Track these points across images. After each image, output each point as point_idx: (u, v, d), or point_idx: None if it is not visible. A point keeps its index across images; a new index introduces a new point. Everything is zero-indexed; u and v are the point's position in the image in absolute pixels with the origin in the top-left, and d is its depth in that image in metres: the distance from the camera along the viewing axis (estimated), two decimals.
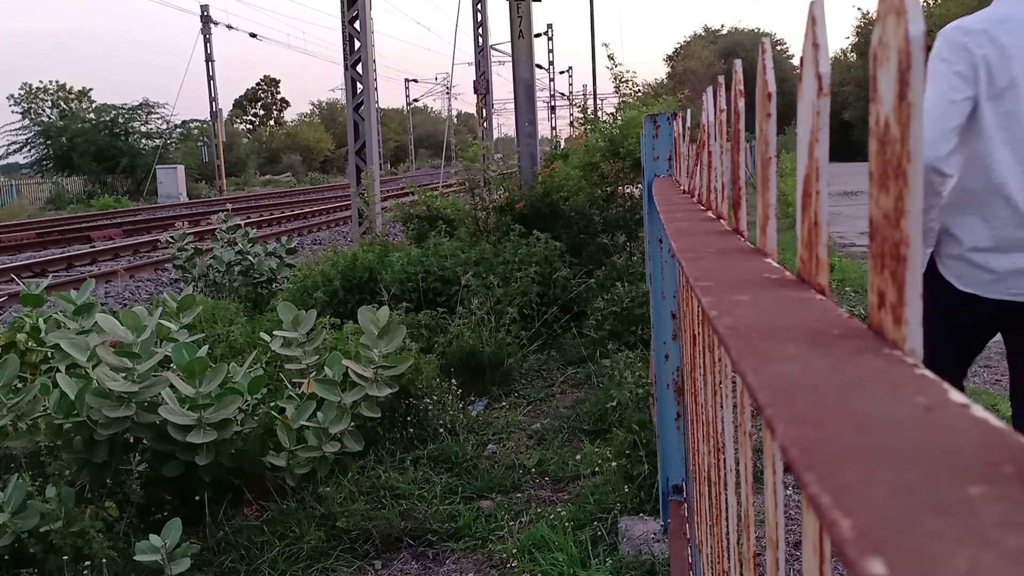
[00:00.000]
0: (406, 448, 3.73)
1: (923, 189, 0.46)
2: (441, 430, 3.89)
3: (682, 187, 2.02)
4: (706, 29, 54.00)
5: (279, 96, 66.33)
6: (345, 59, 10.15)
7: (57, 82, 42.49)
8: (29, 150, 37.21)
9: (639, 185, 5.60)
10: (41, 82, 43.69)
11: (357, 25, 10.11)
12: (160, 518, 2.82)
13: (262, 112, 65.46)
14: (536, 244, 5.89)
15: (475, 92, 16.68)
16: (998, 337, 2.27)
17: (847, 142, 31.26)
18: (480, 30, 16.84)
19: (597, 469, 3.41)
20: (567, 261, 6.05)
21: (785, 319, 0.50)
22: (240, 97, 64.65)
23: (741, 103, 0.84)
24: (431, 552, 3.01)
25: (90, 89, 43.29)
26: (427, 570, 2.93)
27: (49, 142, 36.00)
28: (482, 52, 16.77)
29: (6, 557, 2.70)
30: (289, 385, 3.49)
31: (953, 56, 2.04)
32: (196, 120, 39.27)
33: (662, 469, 2.81)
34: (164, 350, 3.18)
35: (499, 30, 29.90)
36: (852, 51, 42.07)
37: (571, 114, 33.78)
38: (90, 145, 34.02)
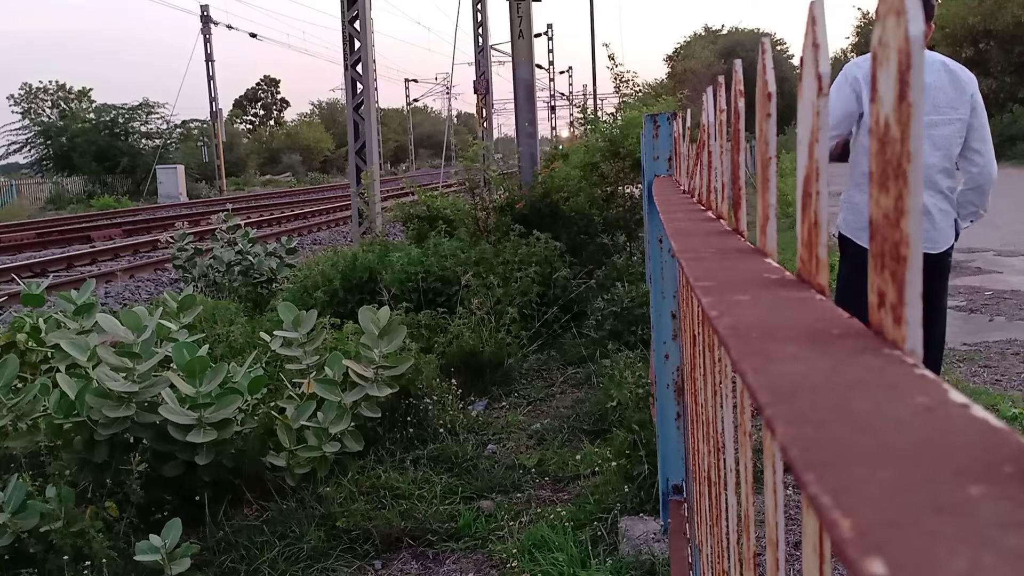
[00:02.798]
0: (406, 448, 3.73)
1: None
2: (441, 430, 3.89)
3: (682, 187, 2.02)
4: (706, 29, 53.99)
5: (279, 96, 66.32)
6: (345, 59, 10.15)
7: (57, 82, 42.57)
8: (29, 150, 37.27)
9: (639, 185, 5.60)
10: (41, 82, 43.80)
11: (357, 25, 10.11)
12: (160, 518, 2.82)
13: (262, 112, 65.44)
14: (536, 244, 5.89)
15: (475, 92, 16.68)
16: (998, 337, 2.32)
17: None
18: (480, 30, 16.84)
19: (597, 469, 3.41)
20: (567, 261, 6.05)
21: (785, 319, 0.50)
22: (240, 97, 64.63)
23: (741, 103, 0.84)
24: (431, 552, 3.01)
25: (90, 89, 43.33)
26: (427, 570, 2.93)
27: (49, 142, 36.03)
28: (482, 52, 16.77)
29: (6, 557, 2.70)
30: (289, 385, 3.49)
31: (841, 80, 2.98)
32: (196, 120, 39.35)
33: (662, 469, 2.81)
34: (164, 350, 3.18)
35: (499, 30, 29.88)
36: (852, 51, 42.05)
37: (571, 114, 33.80)
38: (90, 145, 34.04)
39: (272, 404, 3.40)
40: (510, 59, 9.66)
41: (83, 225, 18.48)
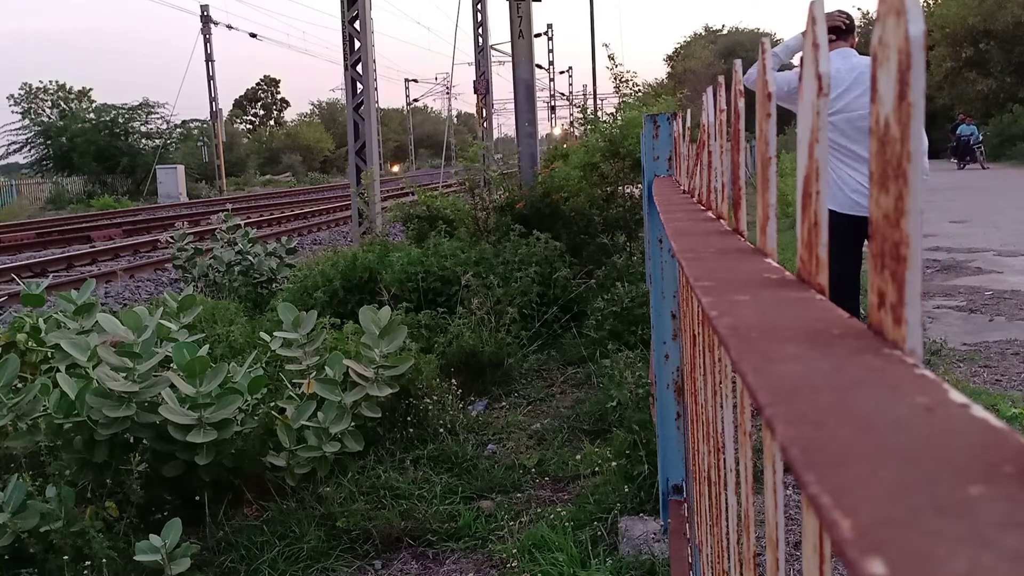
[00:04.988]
0: (406, 448, 3.73)
1: None
2: (441, 430, 3.89)
3: (682, 187, 2.02)
4: (706, 29, 54.15)
5: (279, 96, 66.28)
6: (345, 59, 10.15)
7: (57, 82, 42.60)
8: (29, 150, 37.25)
9: (639, 185, 5.59)
10: (41, 82, 43.83)
11: (357, 25, 10.11)
12: (160, 518, 2.82)
13: (262, 112, 65.40)
14: (536, 244, 5.89)
15: (475, 92, 16.69)
16: (998, 337, 2.32)
17: None
18: (480, 30, 16.84)
19: (597, 469, 3.40)
20: (567, 261, 6.05)
21: (785, 319, 0.50)
22: (240, 97, 64.60)
23: (741, 103, 0.84)
24: (431, 552, 3.01)
25: (90, 89, 43.35)
26: (427, 570, 2.93)
27: (49, 142, 36.01)
28: (482, 52, 16.77)
29: (6, 557, 2.70)
30: (289, 385, 3.49)
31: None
32: (196, 120, 39.31)
33: (662, 469, 2.81)
34: (164, 350, 3.18)
35: (499, 30, 29.89)
36: None
37: (571, 114, 33.79)
38: (90, 145, 34.02)
39: (272, 404, 3.40)
40: (510, 59, 9.66)
41: (83, 225, 18.48)
